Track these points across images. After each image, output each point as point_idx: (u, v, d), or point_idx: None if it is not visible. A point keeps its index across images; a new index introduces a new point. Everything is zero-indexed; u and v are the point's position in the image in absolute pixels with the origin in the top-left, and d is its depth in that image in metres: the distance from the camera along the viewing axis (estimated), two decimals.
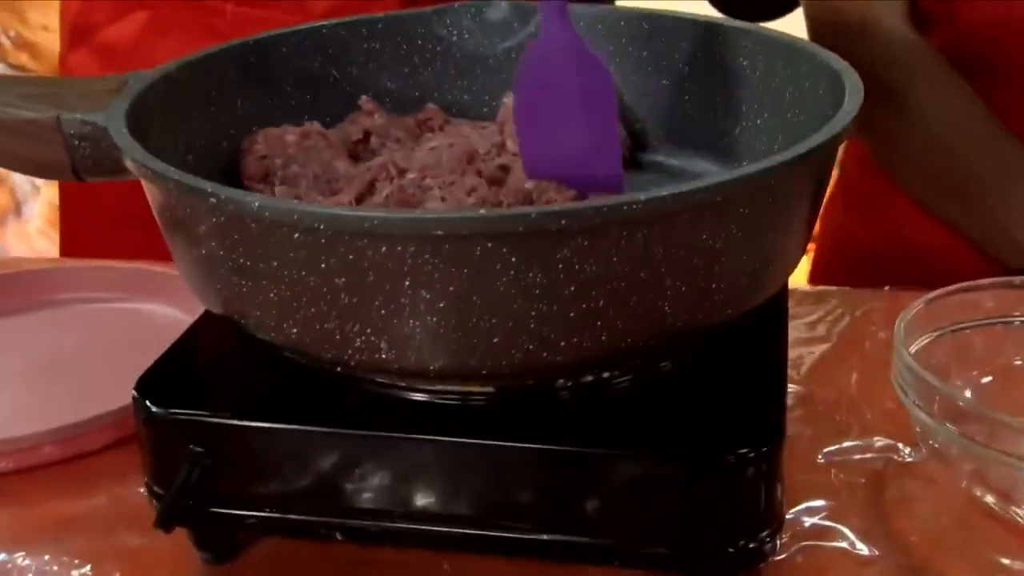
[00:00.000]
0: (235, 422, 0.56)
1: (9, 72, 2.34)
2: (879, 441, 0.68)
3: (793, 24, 0.94)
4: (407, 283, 0.49)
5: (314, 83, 0.73)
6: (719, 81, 0.71)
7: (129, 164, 0.55)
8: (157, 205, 0.56)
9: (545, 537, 0.55)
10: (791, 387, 0.72)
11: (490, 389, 0.56)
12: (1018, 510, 0.60)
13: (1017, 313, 0.70)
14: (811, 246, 0.77)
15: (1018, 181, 0.88)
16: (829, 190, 0.86)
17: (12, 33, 2.34)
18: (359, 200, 0.63)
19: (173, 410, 0.57)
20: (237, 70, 0.70)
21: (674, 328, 0.53)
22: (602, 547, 0.55)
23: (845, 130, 0.55)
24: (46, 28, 2.30)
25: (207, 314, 0.61)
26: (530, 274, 0.49)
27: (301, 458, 0.56)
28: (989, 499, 0.61)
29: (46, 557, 0.62)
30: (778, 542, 0.56)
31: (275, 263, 0.51)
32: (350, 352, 0.52)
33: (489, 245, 0.48)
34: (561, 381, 0.56)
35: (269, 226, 0.50)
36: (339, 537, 0.57)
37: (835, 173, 0.89)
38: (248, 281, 0.53)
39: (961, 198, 0.91)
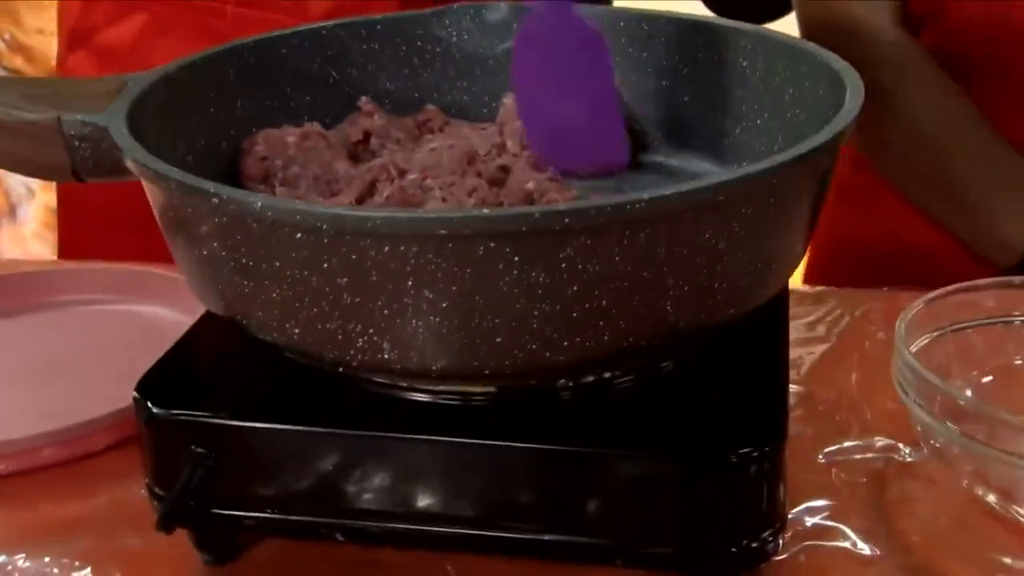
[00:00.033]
0: (236, 423, 0.56)
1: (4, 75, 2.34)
2: (880, 441, 0.68)
3: (790, 26, 0.94)
4: (410, 283, 0.49)
5: (314, 84, 0.73)
6: (719, 82, 0.71)
7: (131, 165, 0.55)
8: (158, 206, 0.56)
9: (547, 537, 0.55)
10: (791, 387, 0.72)
11: (492, 389, 0.56)
12: (1019, 509, 0.60)
13: (1017, 313, 0.70)
14: None
15: (1004, 182, 0.88)
16: None
17: (7, 36, 2.33)
18: (359, 201, 0.63)
19: (174, 411, 0.57)
20: (237, 71, 0.69)
21: (676, 327, 0.53)
22: (604, 547, 0.55)
23: (846, 130, 0.55)
24: (41, 31, 2.29)
25: (208, 315, 0.61)
26: (533, 274, 0.49)
27: (302, 459, 0.56)
28: (990, 498, 0.62)
29: (46, 559, 0.61)
30: (780, 542, 0.56)
31: (277, 263, 0.51)
32: (352, 352, 0.52)
33: (492, 245, 0.48)
34: (563, 381, 0.56)
35: (271, 226, 0.50)
36: (340, 538, 0.57)
37: None
38: (250, 281, 0.52)
39: (949, 197, 0.91)
